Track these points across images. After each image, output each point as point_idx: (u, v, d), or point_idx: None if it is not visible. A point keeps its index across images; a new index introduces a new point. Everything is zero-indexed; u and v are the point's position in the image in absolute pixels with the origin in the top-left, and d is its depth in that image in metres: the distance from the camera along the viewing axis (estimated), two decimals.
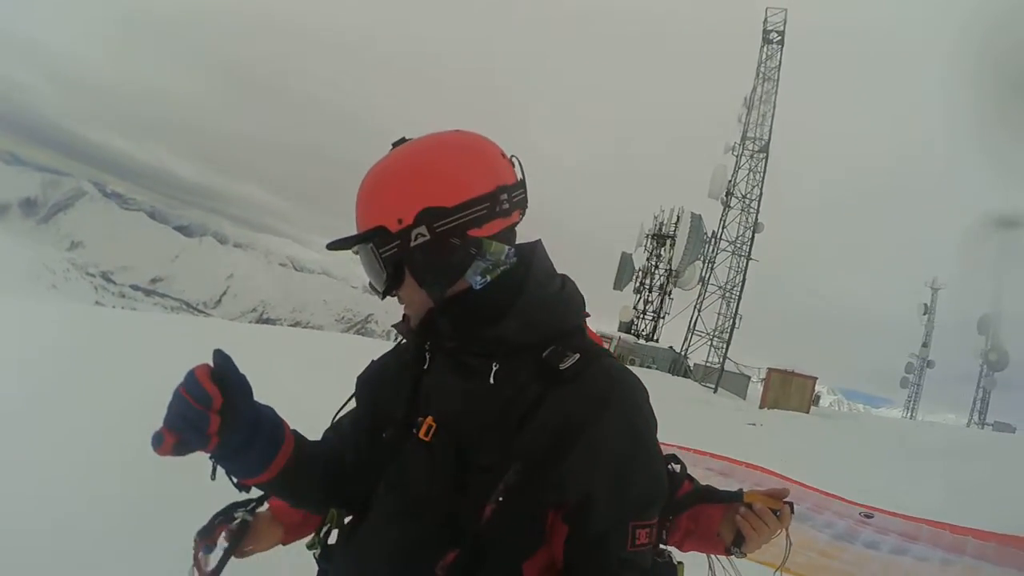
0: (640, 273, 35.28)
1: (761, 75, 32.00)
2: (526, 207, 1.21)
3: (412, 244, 1.12)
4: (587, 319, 1.54)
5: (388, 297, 1.22)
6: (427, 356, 1.23)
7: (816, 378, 23.54)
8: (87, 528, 3.47)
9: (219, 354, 1.06)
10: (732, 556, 1.53)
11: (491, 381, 1.11)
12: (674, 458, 1.52)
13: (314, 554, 1.35)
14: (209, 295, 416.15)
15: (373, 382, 1.34)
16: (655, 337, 33.99)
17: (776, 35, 31.66)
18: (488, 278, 1.16)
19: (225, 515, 1.40)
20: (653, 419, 1.15)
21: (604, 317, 35.76)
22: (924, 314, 39.83)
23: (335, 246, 1.20)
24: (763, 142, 31.65)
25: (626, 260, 35.55)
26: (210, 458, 1.08)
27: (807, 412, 20.98)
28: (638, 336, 33.57)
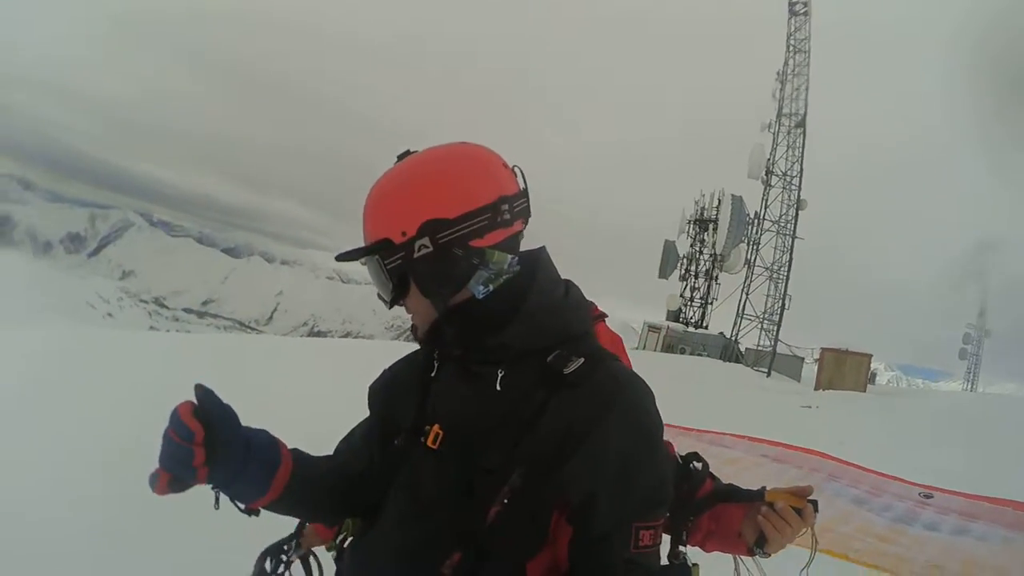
0: (685, 260, 34.82)
1: (791, 48, 31.28)
2: (529, 216, 1.24)
3: (415, 255, 1.15)
4: (606, 319, 1.58)
5: (396, 306, 1.25)
6: (436, 364, 1.27)
7: (871, 355, 22.85)
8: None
9: (200, 388, 1.09)
10: (756, 556, 1.49)
11: (497, 387, 1.14)
12: (696, 456, 1.50)
13: (332, 556, 1.41)
14: (260, 313, 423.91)
15: (385, 391, 1.37)
16: (704, 324, 33.47)
17: (802, 6, 30.95)
18: (491, 287, 1.19)
19: (274, 555, 1.50)
20: (659, 421, 1.17)
21: (651, 307, 35.44)
22: (978, 282, 38.79)
23: (343, 258, 1.23)
24: (799, 117, 30.92)
25: (669, 248, 35.09)
26: (212, 488, 1.12)
27: (863, 391, 20.44)
28: (687, 324, 33.12)
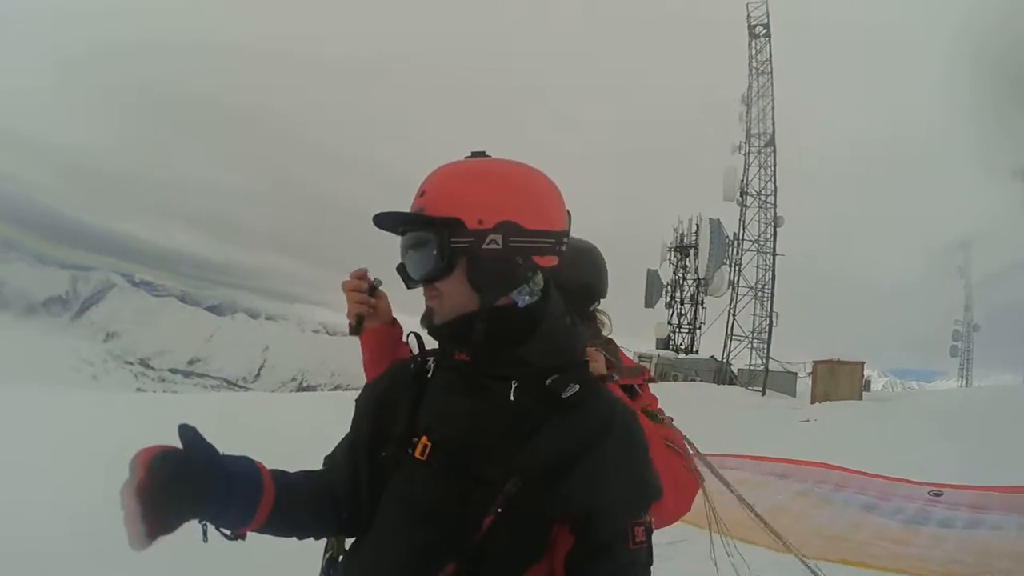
0: (669, 287, 35.01)
1: (754, 70, 32.01)
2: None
3: (483, 246, 1.18)
4: (618, 350, 1.56)
5: (409, 287, 1.27)
6: (429, 373, 1.29)
7: (863, 363, 22.94)
8: None
9: (184, 428, 1.10)
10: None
11: (511, 398, 1.17)
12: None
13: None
14: (247, 370, 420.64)
15: (372, 402, 1.37)
16: (695, 349, 33.60)
17: (761, 28, 31.71)
18: (530, 301, 1.23)
19: None
20: (644, 437, 1.22)
21: (639, 337, 35.45)
22: (960, 277, 39.35)
23: (388, 219, 1.25)
24: (768, 136, 31.54)
25: (653, 277, 35.27)
26: (199, 522, 1.11)
27: (859, 399, 20.41)
28: (677, 351, 33.22)
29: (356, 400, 1.41)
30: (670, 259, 35.02)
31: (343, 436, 1.42)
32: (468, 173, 1.24)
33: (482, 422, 1.17)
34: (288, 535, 1.31)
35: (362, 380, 1.62)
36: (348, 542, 1.34)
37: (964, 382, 38.68)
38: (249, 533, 1.22)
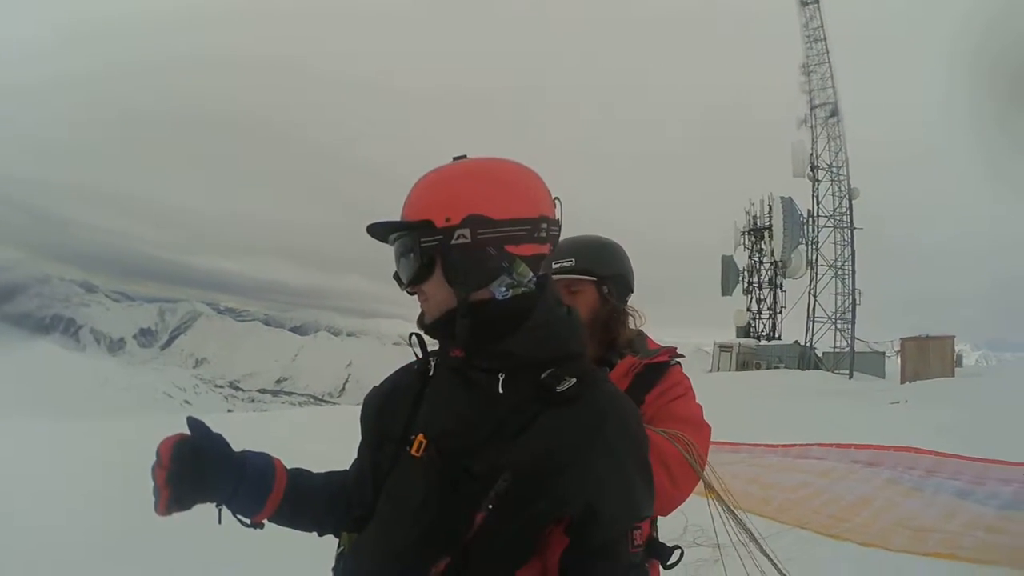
0: (746, 273, 34.22)
1: (808, 38, 30.97)
2: (556, 244, 1.30)
3: (453, 242, 1.20)
4: (647, 339, 1.55)
5: (409, 292, 1.30)
6: (430, 372, 1.32)
7: (953, 337, 22.11)
8: None
9: (191, 420, 1.28)
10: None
11: (499, 391, 1.17)
12: None
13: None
14: (333, 386, 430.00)
15: (377, 403, 1.40)
16: (776, 335, 32.70)
17: None
18: (510, 293, 1.23)
19: None
20: (644, 435, 1.21)
21: (719, 327, 34.74)
22: None
23: (376, 228, 1.29)
24: (832, 105, 30.55)
25: (728, 263, 34.45)
26: (216, 506, 1.28)
27: (952, 376, 19.66)
28: (759, 338, 32.39)
29: (363, 401, 1.45)
30: (744, 243, 34.14)
31: None
32: (436, 177, 1.27)
33: (472, 417, 1.17)
34: (305, 529, 1.42)
35: None
36: None
37: None
38: (270, 525, 1.37)
